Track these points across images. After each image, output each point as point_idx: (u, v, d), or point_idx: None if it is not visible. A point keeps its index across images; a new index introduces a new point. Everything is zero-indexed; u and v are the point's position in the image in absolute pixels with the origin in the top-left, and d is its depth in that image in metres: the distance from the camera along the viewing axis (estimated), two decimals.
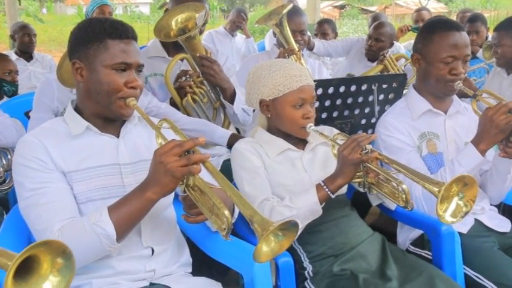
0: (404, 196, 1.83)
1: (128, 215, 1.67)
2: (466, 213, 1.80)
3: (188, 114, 2.87)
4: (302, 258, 2.10)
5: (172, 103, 2.84)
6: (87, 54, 1.79)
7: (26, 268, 1.19)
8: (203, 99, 2.86)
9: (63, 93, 2.84)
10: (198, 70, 2.82)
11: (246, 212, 1.51)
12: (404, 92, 2.92)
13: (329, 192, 1.98)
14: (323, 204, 2.00)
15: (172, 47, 2.95)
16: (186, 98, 2.80)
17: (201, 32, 3.16)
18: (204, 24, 2.90)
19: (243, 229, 2.10)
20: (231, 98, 2.83)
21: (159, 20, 2.83)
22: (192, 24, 2.73)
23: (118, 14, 21.90)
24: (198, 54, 2.77)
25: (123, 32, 1.80)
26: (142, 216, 1.71)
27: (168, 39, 2.77)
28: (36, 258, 1.22)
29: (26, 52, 5.49)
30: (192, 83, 2.80)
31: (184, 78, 2.80)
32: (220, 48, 5.66)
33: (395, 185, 1.86)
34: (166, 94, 2.92)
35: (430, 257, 2.21)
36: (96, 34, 1.78)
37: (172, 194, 1.86)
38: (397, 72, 3.97)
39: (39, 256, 1.23)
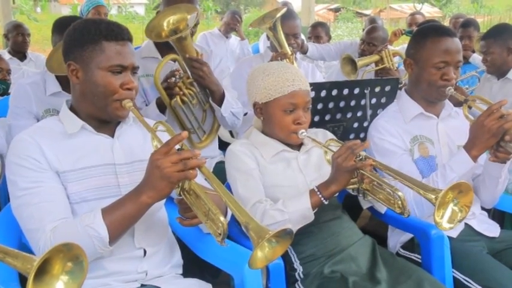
0: (400, 203, 1.84)
1: (122, 219, 1.67)
2: (463, 218, 1.82)
3: (176, 115, 2.87)
4: (293, 259, 2.10)
5: (160, 103, 2.84)
6: (82, 56, 1.79)
7: (39, 268, 1.22)
8: (192, 100, 2.84)
9: (38, 96, 2.83)
10: (188, 71, 2.82)
11: (241, 219, 1.51)
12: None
13: (322, 199, 1.99)
14: (315, 210, 2.00)
15: (165, 48, 2.94)
16: (175, 99, 2.78)
17: (192, 34, 3.15)
18: (196, 25, 2.90)
19: (234, 231, 2.10)
20: (220, 101, 2.83)
21: (151, 20, 2.83)
22: (183, 26, 2.72)
23: (113, 14, 21.83)
24: (187, 56, 2.77)
25: (118, 33, 1.80)
26: (136, 220, 1.71)
27: (159, 39, 2.77)
28: (48, 259, 1.25)
29: (19, 52, 5.46)
30: (182, 83, 2.80)
31: (174, 79, 2.80)
32: (215, 50, 5.64)
33: (391, 191, 1.87)
34: (158, 95, 2.92)
35: (420, 261, 2.23)
36: (92, 36, 1.78)
37: None
38: (391, 66, 3.98)
39: (52, 257, 1.26)
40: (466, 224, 2.33)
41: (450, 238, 2.18)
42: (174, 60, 2.87)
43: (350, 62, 4.07)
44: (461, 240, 2.27)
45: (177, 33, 2.70)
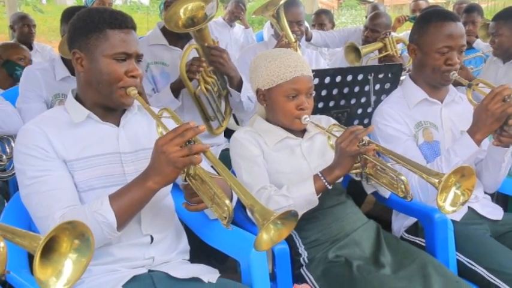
0: (403, 187, 1.85)
1: (129, 204, 1.70)
2: (465, 202, 1.84)
3: (199, 103, 2.91)
4: (297, 244, 2.13)
5: (174, 89, 2.87)
6: (87, 44, 1.81)
7: (47, 247, 1.24)
8: (214, 88, 2.89)
9: (48, 81, 2.88)
10: (206, 60, 2.84)
11: (246, 202, 1.53)
12: (401, 78, 2.93)
13: (326, 184, 2.00)
14: (319, 195, 2.02)
15: (173, 35, 2.96)
16: (199, 88, 2.83)
17: None
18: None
19: (239, 216, 2.12)
20: (238, 86, 2.87)
21: (167, 10, 2.84)
22: (201, 14, 2.74)
23: (118, 4, 21.74)
24: (206, 44, 2.79)
25: (122, 21, 1.82)
26: (143, 205, 1.74)
27: (179, 30, 2.78)
28: (56, 238, 1.27)
29: (25, 43, 5.46)
30: (204, 72, 2.82)
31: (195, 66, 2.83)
32: (219, 38, 5.63)
33: (394, 175, 1.88)
34: (168, 81, 2.95)
35: (424, 244, 2.24)
36: (96, 24, 1.80)
37: None
38: (395, 53, 3.99)
39: (59, 236, 1.28)
40: (469, 207, 2.34)
41: (454, 221, 2.19)
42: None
43: (354, 50, 4.07)
44: (465, 223, 2.28)
45: (195, 22, 2.72)
